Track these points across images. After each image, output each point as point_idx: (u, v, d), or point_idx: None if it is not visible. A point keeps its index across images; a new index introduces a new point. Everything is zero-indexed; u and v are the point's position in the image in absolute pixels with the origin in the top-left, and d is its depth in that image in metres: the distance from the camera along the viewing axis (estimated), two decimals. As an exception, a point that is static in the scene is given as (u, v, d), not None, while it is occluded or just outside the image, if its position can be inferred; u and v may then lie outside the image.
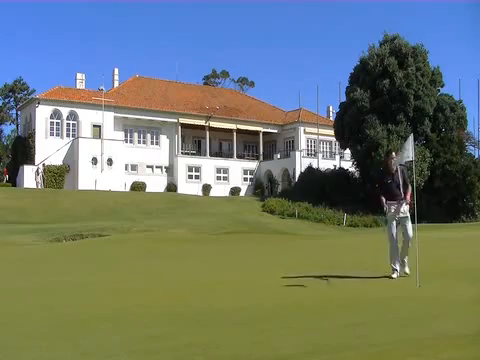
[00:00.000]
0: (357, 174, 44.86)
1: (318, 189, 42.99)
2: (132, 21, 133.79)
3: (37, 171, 47.76)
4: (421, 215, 36.72)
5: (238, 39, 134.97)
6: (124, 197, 43.55)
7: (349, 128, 42.02)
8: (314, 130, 56.24)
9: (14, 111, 72.09)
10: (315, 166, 51.78)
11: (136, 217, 36.06)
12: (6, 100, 72.72)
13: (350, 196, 41.16)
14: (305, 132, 58.94)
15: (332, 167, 50.14)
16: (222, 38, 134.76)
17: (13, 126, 73.35)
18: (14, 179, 50.05)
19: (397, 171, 9.27)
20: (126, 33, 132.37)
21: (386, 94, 40.40)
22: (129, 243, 20.28)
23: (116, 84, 57.89)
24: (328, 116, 64.66)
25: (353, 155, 44.52)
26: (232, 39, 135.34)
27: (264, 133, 60.46)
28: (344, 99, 45.75)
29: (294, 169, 54.80)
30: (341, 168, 48.52)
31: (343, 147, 47.49)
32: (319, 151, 57.07)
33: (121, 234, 24.73)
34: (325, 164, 52.33)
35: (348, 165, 48.37)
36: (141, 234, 24.62)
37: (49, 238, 24.48)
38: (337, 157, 57.09)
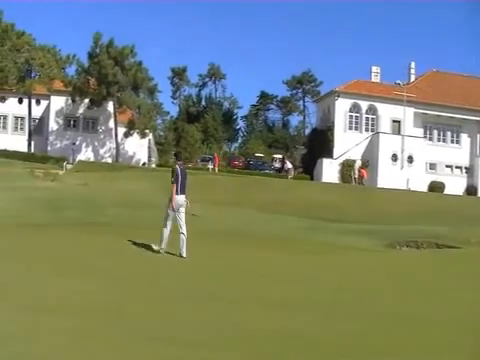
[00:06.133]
0: None
1: None
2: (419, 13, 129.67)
3: (352, 166, 48.14)
4: None
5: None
6: (439, 199, 41.80)
7: None
8: None
9: (301, 102, 75.37)
10: None
11: (455, 223, 34.17)
12: (294, 91, 76.28)
13: None
14: None
15: None
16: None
17: (300, 117, 76.76)
18: (311, 172, 51.25)
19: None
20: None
21: None
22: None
23: (412, 78, 56.31)
24: None
25: None
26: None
27: None
28: None
29: None
30: None
31: None
32: None
33: (466, 246, 22.81)
34: None
35: None
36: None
37: (382, 243, 23.50)
38: None
